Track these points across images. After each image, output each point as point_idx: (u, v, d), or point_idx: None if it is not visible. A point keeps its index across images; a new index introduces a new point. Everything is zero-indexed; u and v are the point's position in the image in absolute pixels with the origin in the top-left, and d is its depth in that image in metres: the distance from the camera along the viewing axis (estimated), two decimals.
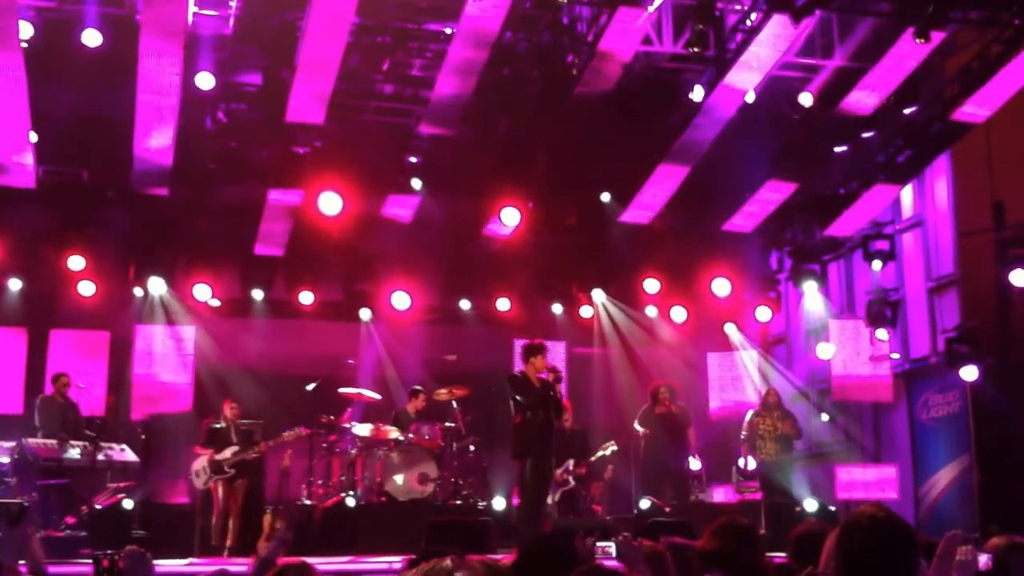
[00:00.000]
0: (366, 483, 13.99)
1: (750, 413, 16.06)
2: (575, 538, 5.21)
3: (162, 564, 9.49)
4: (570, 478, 14.54)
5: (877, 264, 16.46)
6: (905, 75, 14.27)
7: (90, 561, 9.45)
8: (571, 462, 14.56)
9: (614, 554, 5.71)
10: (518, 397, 11.97)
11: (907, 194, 16.82)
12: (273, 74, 13.88)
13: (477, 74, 13.71)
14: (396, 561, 8.94)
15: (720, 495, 16.29)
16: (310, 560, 6.38)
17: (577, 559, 4.49)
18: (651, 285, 17.46)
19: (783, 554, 7.32)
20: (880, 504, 3.93)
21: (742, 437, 15.96)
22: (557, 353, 17.56)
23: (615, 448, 15.25)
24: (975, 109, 14.35)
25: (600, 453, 15.16)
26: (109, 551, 8.58)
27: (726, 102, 14.41)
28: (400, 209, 16.27)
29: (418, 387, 15.14)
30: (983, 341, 14.75)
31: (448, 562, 2.17)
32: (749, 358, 18.31)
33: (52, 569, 8.01)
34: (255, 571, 5.77)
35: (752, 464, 15.71)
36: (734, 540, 5.09)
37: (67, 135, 14.76)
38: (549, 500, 13.22)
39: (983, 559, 5.59)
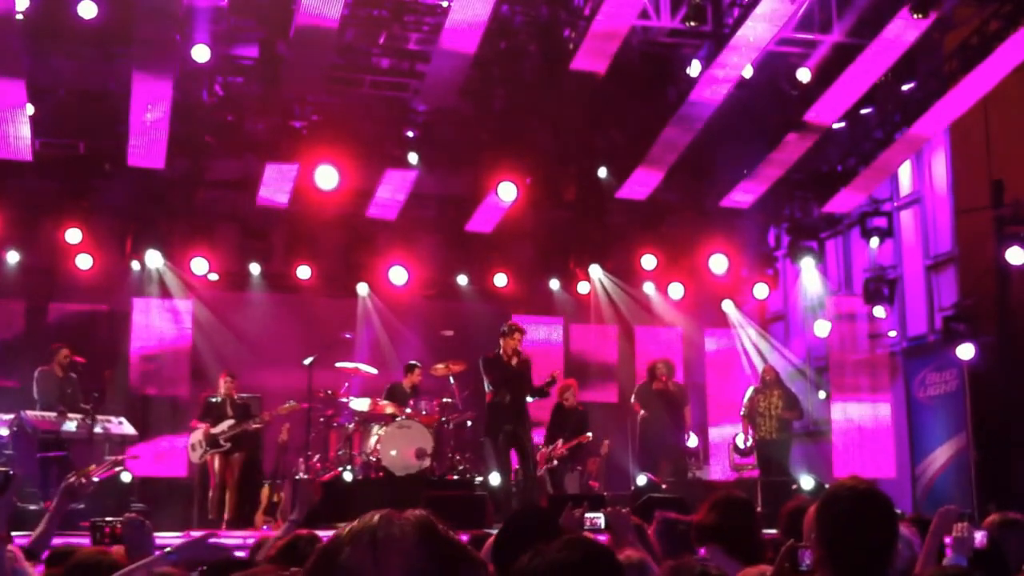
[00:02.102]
0: (363, 457, 14.00)
1: (751, 390, 16.08)
2: (561, 511, 5.22)
3: (158, 536, 9.52)
4: (552, 456, 14.52)
5: (875, 241, 16.43)
6: (903, 51, 14.22)
7: (88, 530, 9.50)
8: (560, 441, 14.57)
9: (602, 525, 5.72)
10: (488, 378, 12.13)
11: (905, 171, 16.78)
12: (270, 47, 13.86)
13: (474, 48, 13.67)
14: None
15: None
16: None
17: (561, 532, 4.49)
18: (648, 261, 17.39)
19: (775, 530, 7.34)
20: (860, 477, 3.97)
21: (742, 414, 15.99)
22: (554, 329, 17.62)
23: (606, 445, 15.25)
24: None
25: (577, 442, 14.75)
26: (109, 518, 8.62)
27: (723, 77, 14.36)
28: (397, 187, 16.26)
29: (414, 362, 15.11)
30: (981, 319, 14.74)
31: (376, 518, 2.15)
32: (746, 335, 18.31)
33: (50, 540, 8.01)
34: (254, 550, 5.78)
35: (749, 441, 15.75)
36: (732, 514, 5.11)
37: (64, 108, 14.77)
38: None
39: (980, 536, 5.59)
